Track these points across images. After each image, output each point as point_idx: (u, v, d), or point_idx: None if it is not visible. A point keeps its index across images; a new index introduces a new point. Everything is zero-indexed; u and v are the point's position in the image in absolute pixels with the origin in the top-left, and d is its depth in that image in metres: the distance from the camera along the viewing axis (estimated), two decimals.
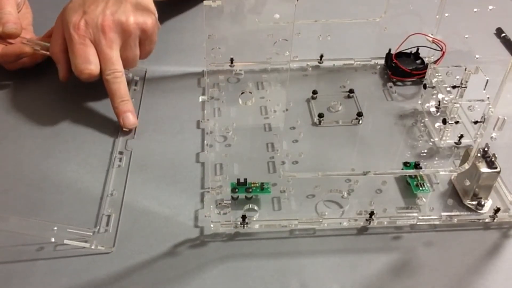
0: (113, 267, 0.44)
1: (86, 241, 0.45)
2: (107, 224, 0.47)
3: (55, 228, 0.45)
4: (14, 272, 0.44)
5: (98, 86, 0.56)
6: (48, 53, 0.59)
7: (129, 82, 0.62)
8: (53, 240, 0.44)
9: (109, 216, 0.48)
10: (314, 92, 0.60)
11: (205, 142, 0.54)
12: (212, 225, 0.46)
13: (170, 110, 0.59)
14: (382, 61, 0.65)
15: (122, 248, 0.45)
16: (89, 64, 0.54)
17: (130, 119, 0.56)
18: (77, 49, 0.54)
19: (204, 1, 0.47)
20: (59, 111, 0.59)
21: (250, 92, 0.57)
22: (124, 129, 0.56)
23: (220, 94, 0.60)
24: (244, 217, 0.46)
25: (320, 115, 0.57)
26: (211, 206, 0.47)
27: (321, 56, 0.65)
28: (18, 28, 0.58)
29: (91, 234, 0.46)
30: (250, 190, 0.48)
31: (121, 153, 0.54)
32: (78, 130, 0.57)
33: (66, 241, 0.44)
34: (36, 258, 0.45)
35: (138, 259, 0.45)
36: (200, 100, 0.59)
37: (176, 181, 0.51)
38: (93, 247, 0.45)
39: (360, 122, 0.57)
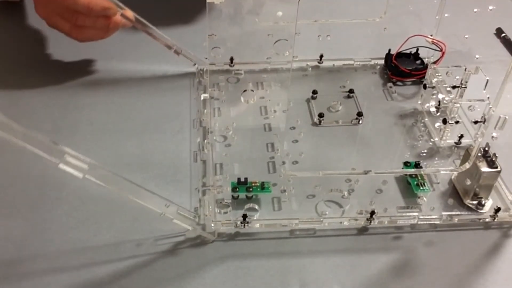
0: (112, 267, 0.44)
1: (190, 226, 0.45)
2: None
3: (169, 205, 0.44)
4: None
5: (98, 86, 0.56)
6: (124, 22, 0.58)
7: None
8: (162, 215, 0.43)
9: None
10: (314, 92, 0.60)
11: (205, 141, 0.54)
12: (212, 225, 0.46)
13: (170, 109, 0.59)
14: (382, 61, 0.65)
15: (122, 247, 0.45)
16: None
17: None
18: None
19: None
20: (59, 110, 0.58)
21: (252, 90, 0.57)
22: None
23: (220, 94, 0.60)
24: (244, 216, 0.46)
25: (320, 115, 0.57)
26: (211, 206, 0.47)
27: (321, 56, 0.65)
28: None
29: (196, 220, 0.46)
30: (251, 189, 0.48)
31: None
32: (78, 129, 0.56)
33: (175, 221, 0.44)
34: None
35: (139, 258, 0.44)
36: (202, 98, 0.59)
37: (176, 180, 0.51)
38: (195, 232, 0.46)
39: (360, 122, 0.57)
